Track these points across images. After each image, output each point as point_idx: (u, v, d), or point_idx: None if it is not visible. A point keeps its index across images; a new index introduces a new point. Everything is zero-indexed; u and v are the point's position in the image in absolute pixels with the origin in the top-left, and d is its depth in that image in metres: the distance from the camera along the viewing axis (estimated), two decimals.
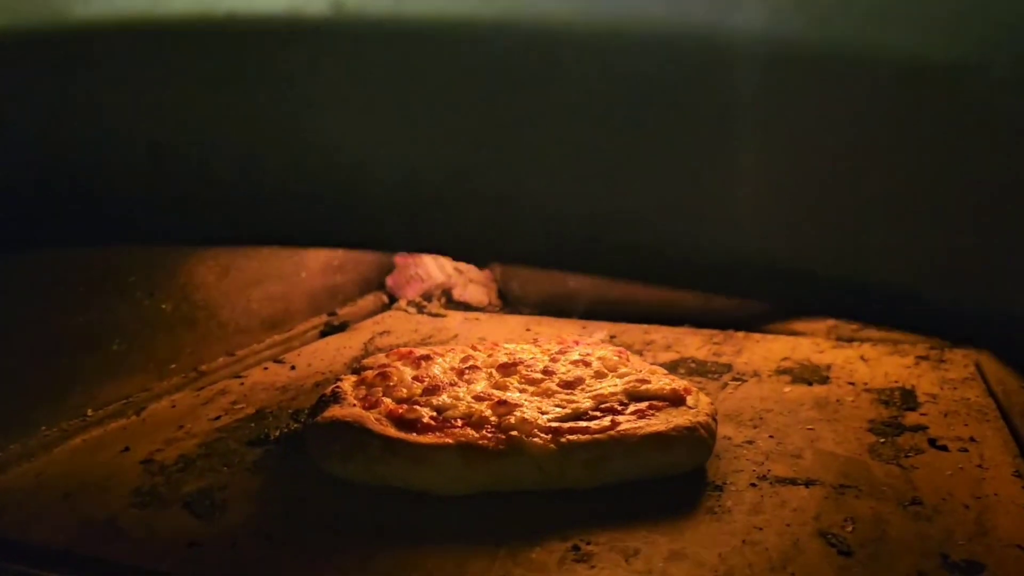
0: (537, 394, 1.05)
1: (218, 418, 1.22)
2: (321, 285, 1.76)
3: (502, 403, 1.00)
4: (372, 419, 0.99)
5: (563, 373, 1.12)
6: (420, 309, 1.88)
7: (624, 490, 0.94)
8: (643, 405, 1.02)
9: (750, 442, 1.08)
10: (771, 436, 1.10)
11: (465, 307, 1.93)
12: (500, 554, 0.83)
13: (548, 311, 1.84)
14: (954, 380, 1.31)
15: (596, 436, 0.95)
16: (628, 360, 1.19)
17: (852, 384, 1.31)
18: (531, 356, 1.20)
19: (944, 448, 1.05)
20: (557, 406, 1.02)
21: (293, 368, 1.46)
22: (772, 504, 0.92)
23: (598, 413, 1.00)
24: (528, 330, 1.71)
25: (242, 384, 1.38)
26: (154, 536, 0.88)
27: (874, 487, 0.95)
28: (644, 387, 1.05)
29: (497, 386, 1.10)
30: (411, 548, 0.84)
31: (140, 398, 1.28)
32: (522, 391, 1.07)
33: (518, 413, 0.98)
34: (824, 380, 1.33)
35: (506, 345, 1.29)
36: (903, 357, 1.44)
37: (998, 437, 1.09)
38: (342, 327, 1.73)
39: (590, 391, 1.06)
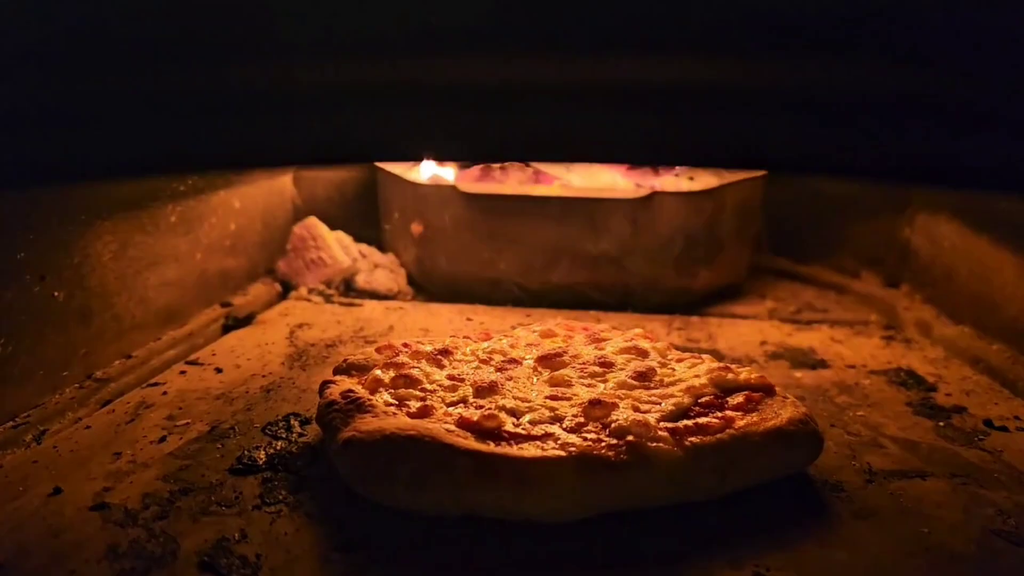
0: (620, 389, 0.88)
1: (163, 439, 0.91)
2: (214, 270, 1.44)
3: (596, 402, 0.82)
4: (444, 432, 0.76)
5: (624, 364, 0.95)
6: (328, 298, 1.61)
7: (736, 499, 0.80)
8: (740, 398, 0.88)
9: None
10: (832, 425, 1.01)
11: (371, 295, 1.68)
12: None
13: (467, 298, 1.63)
14: (937, 359, 1.31)
15: (719, 436, 0.79)
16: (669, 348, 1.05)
17: (853, 367, 1.26)
18: (558, 346, 1.02)
19: (1004, 428, 1.02)
20: (649, 402, 0.85)
21: (219, 371, 1.16)
22: (910, 501, 0.82)
23: (698, 408, 0.85)
24: (469, 320, 1.51)
25: (165, 394, 1.06)
26: None
27: (986, 475, 0.89)
28: (731, 376, 0.91)
29: (553, 382, 0.91)
30: None
31: (34, 417, 0.93)
32: (590, 387, 0.89)
33: (623, 415, 0.80)
34: (823, 364, 1.27)
35: (517, 334, 1.09)
36: (869, 338, 1.42)
37: None
38: (247, 320, 1.43)
39: (673, 384, 0.90)
